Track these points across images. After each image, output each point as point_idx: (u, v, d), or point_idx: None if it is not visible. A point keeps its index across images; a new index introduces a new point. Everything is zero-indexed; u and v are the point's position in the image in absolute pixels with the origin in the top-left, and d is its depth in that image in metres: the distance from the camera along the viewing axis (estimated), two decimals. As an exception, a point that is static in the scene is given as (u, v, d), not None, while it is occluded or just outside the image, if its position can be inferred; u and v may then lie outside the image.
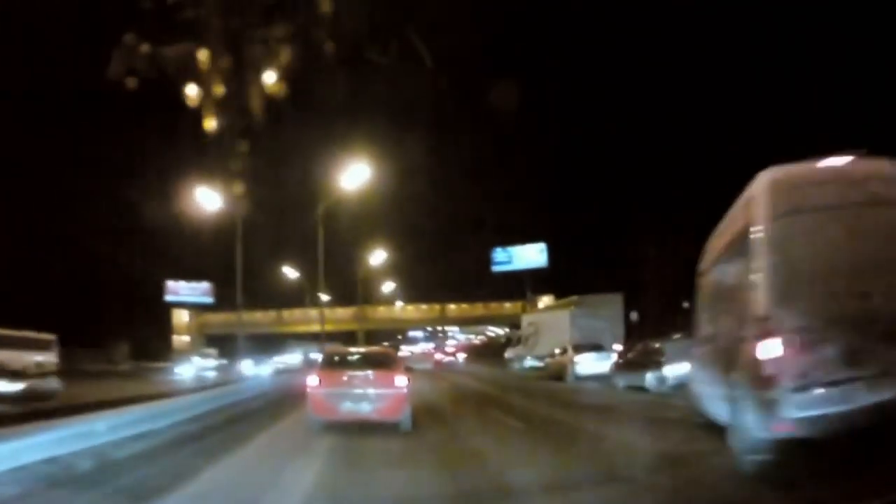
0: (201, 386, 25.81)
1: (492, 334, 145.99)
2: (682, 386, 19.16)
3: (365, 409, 13.25)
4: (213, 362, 53.88)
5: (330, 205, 37.02)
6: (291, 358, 72.17)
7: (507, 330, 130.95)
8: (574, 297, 39.81)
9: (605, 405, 19.27)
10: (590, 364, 30.07)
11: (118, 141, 66.71)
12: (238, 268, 37.62)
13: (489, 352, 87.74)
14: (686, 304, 52.40)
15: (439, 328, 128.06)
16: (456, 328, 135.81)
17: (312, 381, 13.74)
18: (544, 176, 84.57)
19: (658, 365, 21.34)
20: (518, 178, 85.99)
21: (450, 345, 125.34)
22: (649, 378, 21.61)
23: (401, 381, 13.64)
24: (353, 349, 17.94)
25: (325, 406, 13.49)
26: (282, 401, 19.84)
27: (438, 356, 70.66)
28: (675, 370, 20.37)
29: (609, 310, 37.26)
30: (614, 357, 30.19)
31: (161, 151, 62.79)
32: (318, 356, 58.24)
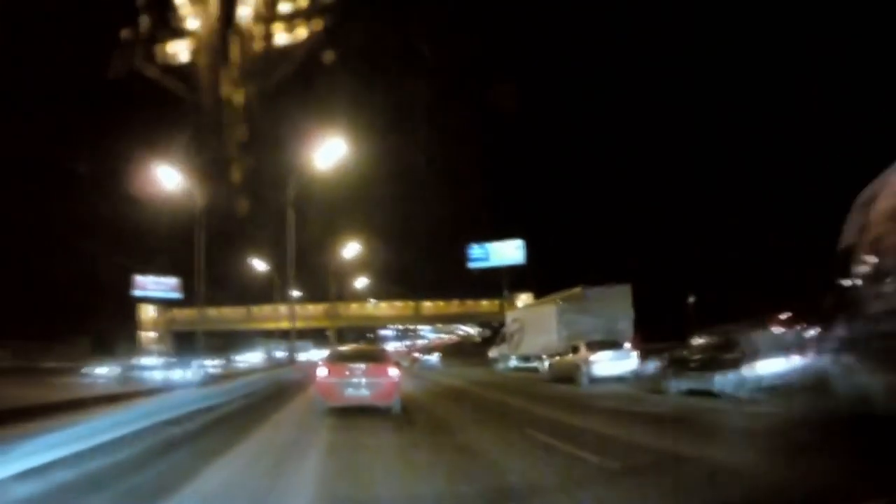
0: (101, 394, 19.03)
1: (462, 333, 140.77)
2: (772, 388, 14.43)
3: (364, 394, 14.96)
4: (156, 361, 45.15)
5: (302, 183, 31.36)
6: (253, 357, 65.80)
7: (480, 329, 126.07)
8: (577, 289, 34.18)
9: (683, 417, 13.64)
10: (608, 364, 24.58)
11: (89, 130, 61.64)
12: (198, 254, 32.14)
13: (463, 351, 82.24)
14: (692, 299, 48.31)
15: (410, 326, 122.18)
16: (427, 327, 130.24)
17: (322, 371, 15.52)
18: (523, 172, 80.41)
19: (735, 363, 15.62)
20: (496, 174, 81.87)
21: (421, 343, 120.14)
22: (723, 380, 15.84)
23: (393, 372, 15.52)
24: (354, 346, 21.67)
25: (332, 392, 15.12)
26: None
27: (416, 354, 65.93)
28: (761, 368, 14.99)
29: (616, 302, 31.73)
30: (634, 356, 24.81)
31: (137, 142, 57.70)
32: (282, 354, 53.72)
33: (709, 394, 16.29)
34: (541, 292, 55.98)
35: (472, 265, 75.88)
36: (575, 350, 25.96)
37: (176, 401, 11.92)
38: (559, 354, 27.94)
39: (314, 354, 66.19)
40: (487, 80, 73.32)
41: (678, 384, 18.01)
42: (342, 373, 15.14)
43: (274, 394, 21.06)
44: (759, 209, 44.47)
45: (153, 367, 36.97)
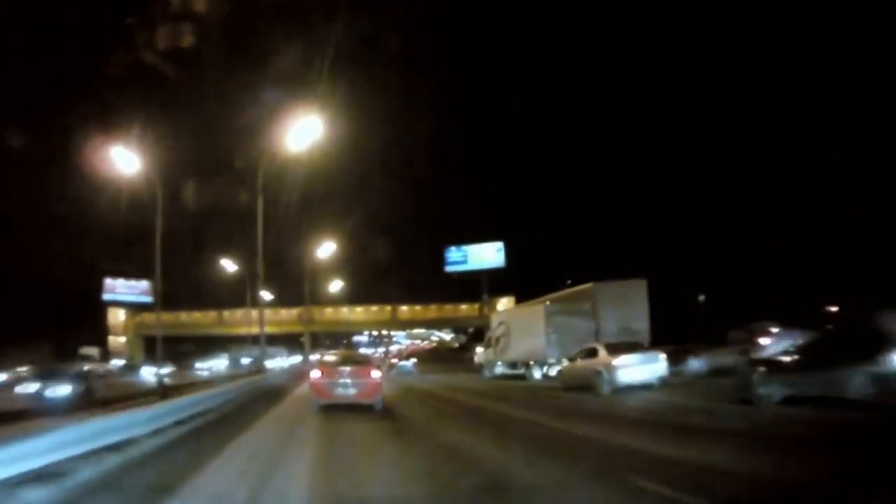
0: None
1: (436, 339, 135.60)
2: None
3: (351, 393, 16.17)
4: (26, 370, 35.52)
5: (275, 168, 26.39)
6: (218, 363, 59.01)
7: (453, 335, 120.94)
8: (588, 285, 29.38)
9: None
10: (634, 370, 19.48)
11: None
12: (157, 243, 26.83)
13: (440, 356, 77.09)
14: (702, 298, 43.89)
15: (384, 332, 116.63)
16: (402, 333, 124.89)
17: (315, 374, 16.96)
18: (505, 173, 76.93)
19: (875, 353, 10.63)
20: (477, 175, 78.22)
21: (396, 349, 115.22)
22: (861, 380, 10.74)
23: (376, 373, 16.81)
24: (342, 352, 24.78)
25: (324, 390, 16.39)
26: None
27: (394, 360, 61.34)
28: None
29: (630, 299, 26.97)
30: (663, 360, 19.93)
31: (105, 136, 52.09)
32: (248, 360, 47.76)
33: (830, 400, 11.26)
34: (522, 296, 51.34)
35: (449, 268, 71.09)
36: (591, 353, 21.09)
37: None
38: (569, 359, 23.02)
39: (285, 362, 60.11)
40: (469, 79, 69.50)
41: (779, 388, 12.80)
42: (333, 374, 16.49)
43: (227, 418, 15.70)
44: (758, 210, 40.39)
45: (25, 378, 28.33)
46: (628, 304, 26.77)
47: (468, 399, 21.27)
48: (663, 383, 19.57)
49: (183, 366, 51.40)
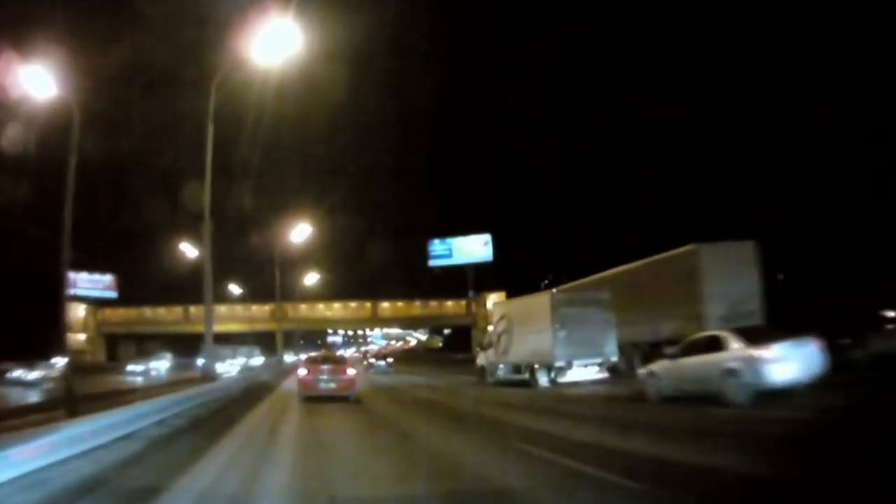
0: None
1: (412, 340, 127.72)
2: None
3: (332, 387, 18.19)
4: None
5: (235, 77, 17.97)
6: (158, 365, 48.24)
7: (428, 335, 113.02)
8: (690, 247, 20.90)
9: None
10: (787, 366, 11.44)
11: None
12: (69, 184, 18.18)
13: (421, 356, 68.94)
14: (780, 276, 35.97)
15: (360, 332, 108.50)
16: (378, 333, 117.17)
17: (302, 371, 19.32)
18: (493, 163, 70.57)
19: None
20: (464, 165, 71.34)
21: (372, 349, 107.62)
22: None
23: (351, 371, 19.08)
24: (323, 352, 27.73)
25: (309, 385, 18.37)
26: None
27: (372, 360, 54.25)
28: None
29: (738, 269, 18.82)
30: (817, 350, 11.83)
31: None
32: (202, 361, 38.14)
33: None
34: (514, 292, 43.45)
35: (433, 262, 63.29)
36: (711, 345, 12.70)
37: None
38: (669, 357, 14.23)
39: (232, 366, 49.09)
40: (459, 70, 63.13)
41: None
42: (316, 371, 18.58)
43: None
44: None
45: None
46: (738, 276, 18.67)
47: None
48: (817, 381, 11.68)
49: (111, 369, 41.78)
